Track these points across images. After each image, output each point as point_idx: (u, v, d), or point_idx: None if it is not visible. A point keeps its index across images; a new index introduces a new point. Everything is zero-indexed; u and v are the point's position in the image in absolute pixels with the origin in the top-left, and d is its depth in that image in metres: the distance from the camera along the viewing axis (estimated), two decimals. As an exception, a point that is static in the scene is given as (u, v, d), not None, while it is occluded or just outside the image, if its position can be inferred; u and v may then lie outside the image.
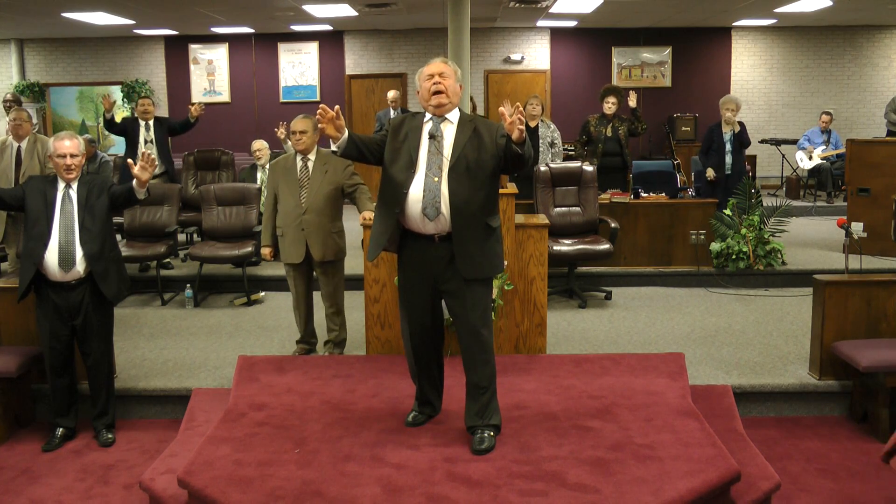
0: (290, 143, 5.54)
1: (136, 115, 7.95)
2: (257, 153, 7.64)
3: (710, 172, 7.80)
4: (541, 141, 7.55)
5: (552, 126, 7.70)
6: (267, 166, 7.42)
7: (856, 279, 4.66)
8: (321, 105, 3.37)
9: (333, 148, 3.45)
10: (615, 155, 7.57)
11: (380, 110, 11.02)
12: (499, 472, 3.34)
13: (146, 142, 7.78)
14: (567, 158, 8.56)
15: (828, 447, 4.16)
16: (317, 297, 5.11)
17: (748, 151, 12.39)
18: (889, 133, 10.97)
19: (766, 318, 5.93)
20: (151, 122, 7.88)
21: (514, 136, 3.28)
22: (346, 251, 5.00)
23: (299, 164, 4.86)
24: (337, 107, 3.40)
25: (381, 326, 4.80)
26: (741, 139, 7.64)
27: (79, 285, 4.16)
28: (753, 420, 4.46)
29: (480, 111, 12.49)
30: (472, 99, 7.83)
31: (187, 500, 3.36)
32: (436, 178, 3.45)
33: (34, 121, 7.91)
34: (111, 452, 4.20)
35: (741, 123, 7.70)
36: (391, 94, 10.19)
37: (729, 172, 7.68)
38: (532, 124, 7.54)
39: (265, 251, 5.02)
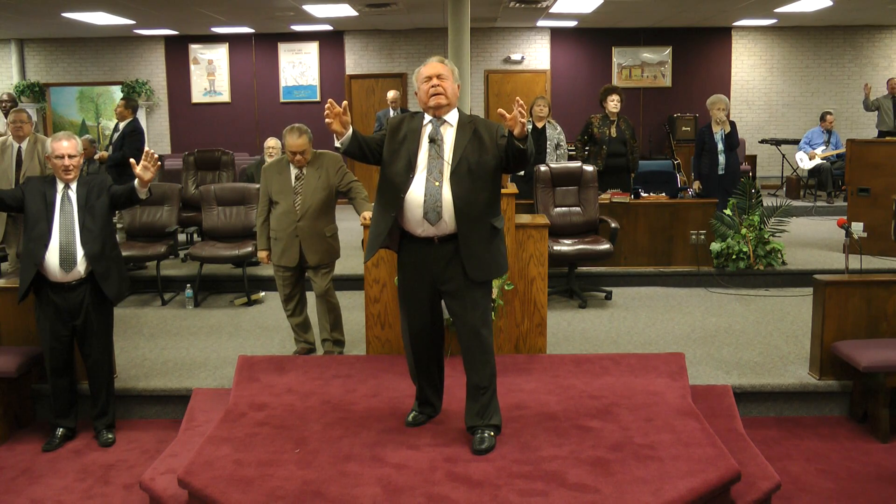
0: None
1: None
2: (270, 150, 7.60)
3: (697, 185, 7.85)
4: (548, 142, 7.52)
5: (558, 128, 7.67)
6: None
7: (856, 279, 4.66)
8: (329, 100, 3.37)
9: (337, 144, 3.45)
10: (620, 156, 7.49)
11: (380, 110, 11.03)
12: (499, 472, 3.34)
13: (109, 144, 7.80)
14: (569, 159, 8.55)
15: (828, 447, 4.16)
16: (310, 297, 5.11)
17: (748, 151, 12.47)
18: (880, 133, 11.02)
19: (766, 318, 5.93)
20: (122, 125, 7.85)
21: (517, 131, 3.27)
22: (339, 253, 4.99)
23: (293, 169, 4.82)
24: (345, 102, 3.40)
25: (381, 326, 4.80)
26: (730, 141, 7.64)
27: (79, 286, 4.16)
28: (753, 420, 4.46)
29: (480, 113, 12.50)
30: None
31: (187, 500, 3.36)
32: (437, 183, 3.44)
33: (33, 120, 7.93)
34: (111, 452, 4.20)
35: (732, 123, 7.70)
36: (391, 94, 10.20)
37: (722, 172, 7.68)
38: (539, 125, 7.52)
39: (262, 255, 4.99)
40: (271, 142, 7.63)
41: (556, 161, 7.43)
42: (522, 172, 7.03)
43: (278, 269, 4.92)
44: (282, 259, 4.85)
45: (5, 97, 9.38)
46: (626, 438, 3.63)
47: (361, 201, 4.85)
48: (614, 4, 10.12)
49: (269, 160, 7.58)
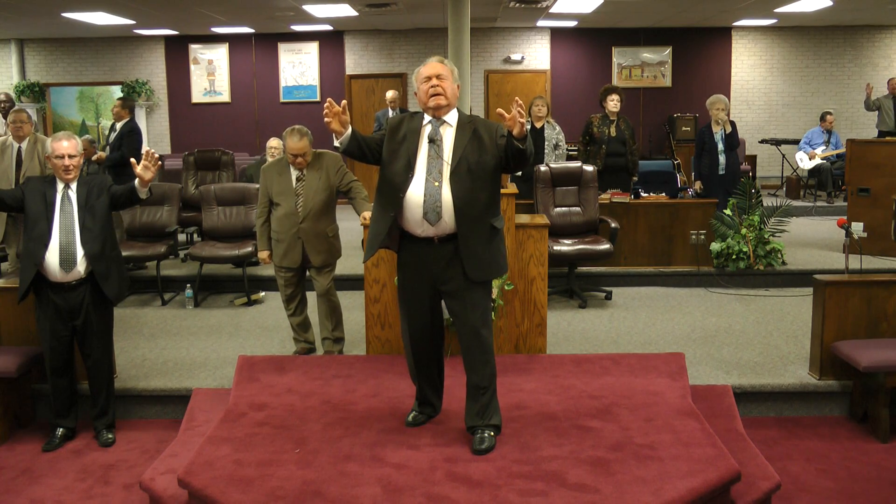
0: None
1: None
2: (273, 150, 7.59)
3: (698, 185, 7.85)
4: (546, 142, 7.52)
5: (557, 128, 7.66)
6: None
7: (856, 279, 4.66)
8: (329, 99, 3.37)
9: (336, 143, 3.46)
10: (620, 155, 7.48)
11: (378, 110, 11.04)
12: (499, 472, 3.34)
13: (107, 144, 7.78)
14: (569, 159, 8.55)
15: (828, 447, 4.16)
16: (310, 296, 5.12)
17: (748, 151, 12.47)
18: (880, 133, 11.03)
19: (766, 318, 5.93)
20: (119, 125, 7.83)
21: (516, 131, 3.27)
22: (341, 252, 5.01)
23: (294, 171, 4.81)
24: (344, 102, 3.41)
25: (381, 326, 4.80)
26: (731, 140, 7.64)
27: (79, 286, 4.16)
28: (753, 420, 4.46)
29: (480, 113, 12.49)
30: None
31: (187, 500, 3.36)
32: (436, 183, 3.44)
33: (33, 120, 7.92)
34: (111, 452, 4.20)
35: (732, 123, 7.72)
36: (390, 94, 10.20)
37: (723, 172, 7.68)
38: (538, 125, 7.51)
39: (263, 255, 4.97)
40: (274, 142, 7.60)
41: (555, 161, 7.43)
42: (520, 173, 7.03)
43: (280, 270, 4.91)
44: (284, 260, 4.85)
45: (3, 97, 9.38)
46: (626, 438, 3.63)
47: (361, 201, 4.85)
48: (614, 4, 10.12)
49: (270, 160, 7.57)
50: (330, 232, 4.87)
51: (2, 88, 13.03)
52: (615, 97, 7.43)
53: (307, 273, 4.97)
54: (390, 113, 9.99)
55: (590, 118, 7.62)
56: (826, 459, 4.02)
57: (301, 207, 4.75)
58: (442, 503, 3.12)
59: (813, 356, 4.67)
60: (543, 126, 7.54)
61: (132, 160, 4.21)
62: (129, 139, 7.68)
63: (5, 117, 7.83)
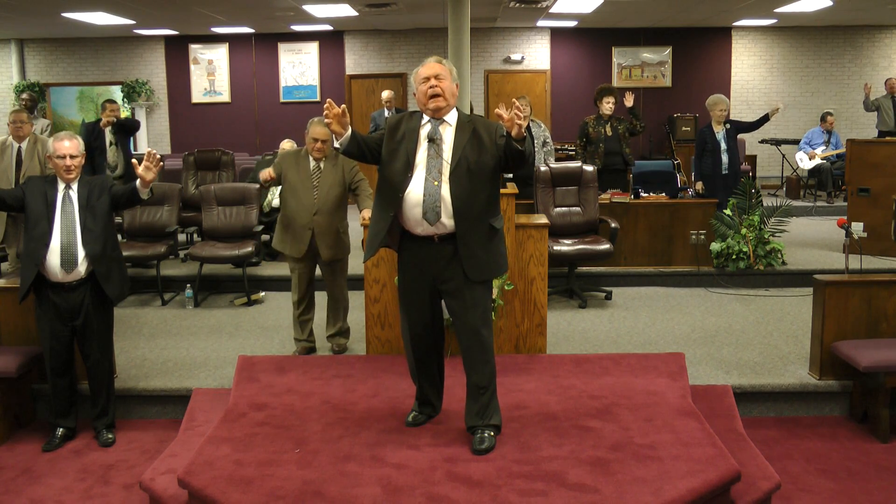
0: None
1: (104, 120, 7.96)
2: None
3: (699, 186, 7.85)
4: (535, 141, 7.54)
5: (542, 126, 7.70)
6: None
7: (856, 279, 4.66)
8: (328, 100, 3.38)
9: (336, 144, 3.47)
10: (618, 154, 7.52)
11: (375, 111, 11.04)
12: (499, 472, 3.34)
13: (111, 144, 7.86)
14: (567, 159, 8.56)
15: (828, 447, 4.16)
16: (318, 296, 5.13)
17: (748, 151, 12.47)
18: (880, 133, 11.03)
19: (766, 318, 5.93)
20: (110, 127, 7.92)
21: (514, 132, 3.28)
22: (350, 247, 5.04)
23: (312, 163, 4.87)
24: (343, 105, 3.42)
25: (381, 326, 4.80)
26: (743, 127, 7.70)
27: (79, 286, 4.16)
28: (753, 420, 4.46)
29: (480, 112, 12.49)
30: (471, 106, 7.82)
31: (187, 500, 3.36)
32: (436, 182, 3.45)
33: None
34: (111, 452, 4.20)
35: (732, 122, 7.76)
36: (386, 94, 10.20)
37: (726, 172, 7.69)
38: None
39: (266, 172, 4.96)
40: (287, 144, 7.64)
41: (545, 158, 7.44)
42: (511, 176, 7.03)
43: (294, 263, 4.96)
44: (287, 248, 4.91)
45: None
46: (626, 438, 3.63)
47: (365, 198, 4.91)
48: (614, 4, 10.13)
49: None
50: (341, 227, 4.93)
51: (2, 88, 13.07)
52: (611, 100, 7.46)
53: (320, 272, 5.02)
54: (386, 113, 9.98)
55: (584, 120, 7.65)
56: (826, 459, 4.02)
57: (316, 199, 4.81)
58: (442, 503, 3.12)
59: (813, 356, 4.68)
60: (529, 125, 7.55)
61: (133, 161, 4.23)
62: (132, 119, 8.25)
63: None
